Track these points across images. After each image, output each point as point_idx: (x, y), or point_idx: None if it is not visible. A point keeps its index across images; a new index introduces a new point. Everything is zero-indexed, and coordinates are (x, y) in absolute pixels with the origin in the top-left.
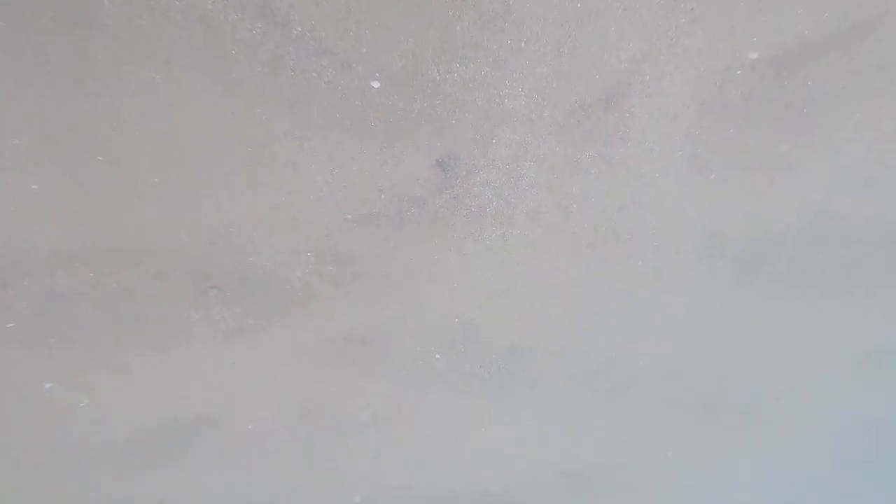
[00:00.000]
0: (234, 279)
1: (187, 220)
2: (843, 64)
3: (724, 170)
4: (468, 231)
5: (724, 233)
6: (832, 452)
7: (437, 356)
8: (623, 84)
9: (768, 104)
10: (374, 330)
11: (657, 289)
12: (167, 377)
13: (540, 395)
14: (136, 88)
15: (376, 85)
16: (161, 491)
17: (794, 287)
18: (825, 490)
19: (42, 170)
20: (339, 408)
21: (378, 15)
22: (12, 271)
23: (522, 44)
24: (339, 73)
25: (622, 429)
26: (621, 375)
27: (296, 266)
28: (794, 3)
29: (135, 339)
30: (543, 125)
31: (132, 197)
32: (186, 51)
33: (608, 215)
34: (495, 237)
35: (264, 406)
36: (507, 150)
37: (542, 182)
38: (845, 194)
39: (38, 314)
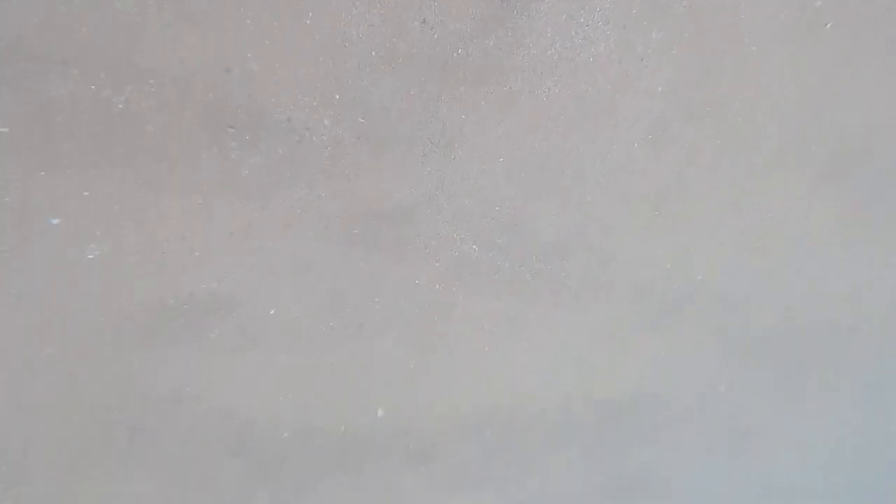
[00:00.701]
0: (253, 119)
1: (199, 37)
2: None
3: None
4: (524, 83)
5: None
6: None
7: (475, 247)
8: None
9: None
10: (406, 209)
11: (732, 190)
12: (175, 227)
13: (582, 305)
14: None
15: None
16: (178, 379)
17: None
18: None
19: None
20: (363, 301)
21: None
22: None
23: None
24: None
25: (669, 356)
26: (677, 295)
27: (322, 113)
28: None
29: (136, 174)
30: None
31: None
32: None
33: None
34: (557, 92)
35: (286, 289)
36: None
37: (617, 20)
38: None
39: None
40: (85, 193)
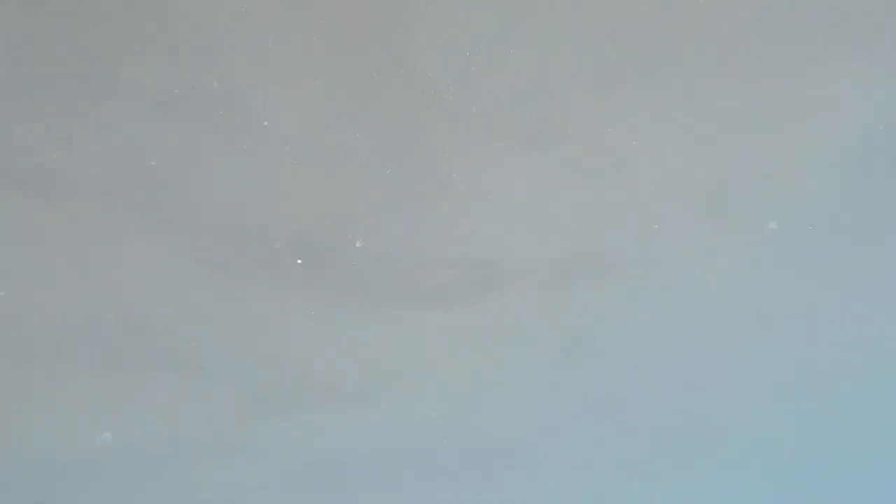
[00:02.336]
0: None
1: None
2: None
3: None
4: None
5: None
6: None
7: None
8: None
9: None
10: None
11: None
12: None
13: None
14: None
15: None
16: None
17: None
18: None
19: None
20: None
21: None
22: None
23: None
24: None
25: (616, 213)
26: (621, 156)
27: None
28: None
29: None
30: None
31: None
32: None
33: None
34: None
35: None
36: None
37: None
38: None
39: None
40: None
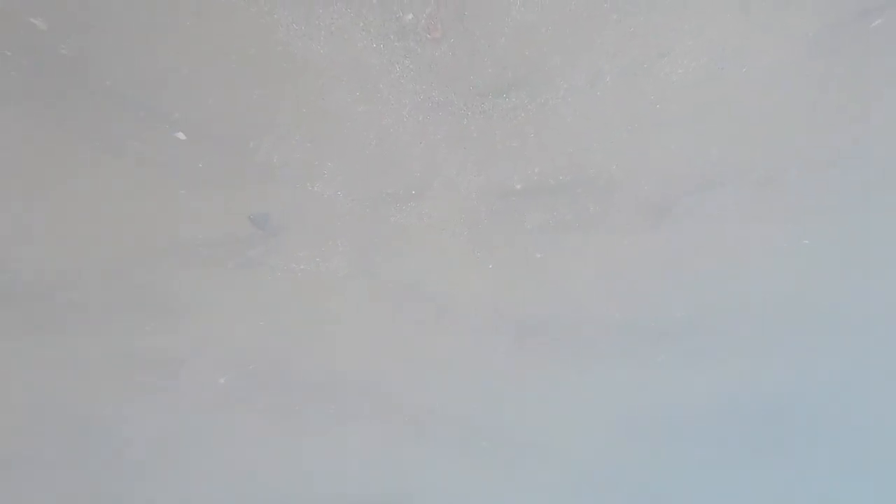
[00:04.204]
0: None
1: None
2: None
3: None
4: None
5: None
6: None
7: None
8: (415, 188)
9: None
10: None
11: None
12: None
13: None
14: None
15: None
16: None
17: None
18: None
19: None
20: None
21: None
22: None
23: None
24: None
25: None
26: (417, 420)
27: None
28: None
29: None
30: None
31: None
32: None
33: (410, 280)
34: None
35: None
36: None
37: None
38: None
39: None
40: None
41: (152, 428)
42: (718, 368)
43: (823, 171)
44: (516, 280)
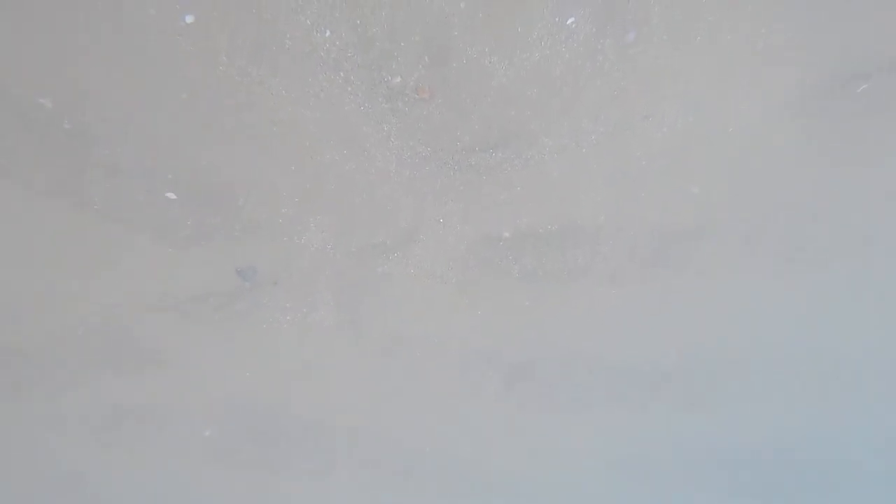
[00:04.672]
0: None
1: None
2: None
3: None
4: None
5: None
6: None
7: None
8: (401, 239)
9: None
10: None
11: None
12: None
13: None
14: None
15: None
16: None
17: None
18: None
19: None
20: None
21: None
22: None
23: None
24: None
25: None
26: (401, 463)
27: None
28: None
29: None
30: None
31: None
32: None
33: (397, 329)
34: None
35: None
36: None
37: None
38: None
39: None
40: None
41: (136, 482)
42: (711, 416)
43: (809, 224)
44: (505, 327)
